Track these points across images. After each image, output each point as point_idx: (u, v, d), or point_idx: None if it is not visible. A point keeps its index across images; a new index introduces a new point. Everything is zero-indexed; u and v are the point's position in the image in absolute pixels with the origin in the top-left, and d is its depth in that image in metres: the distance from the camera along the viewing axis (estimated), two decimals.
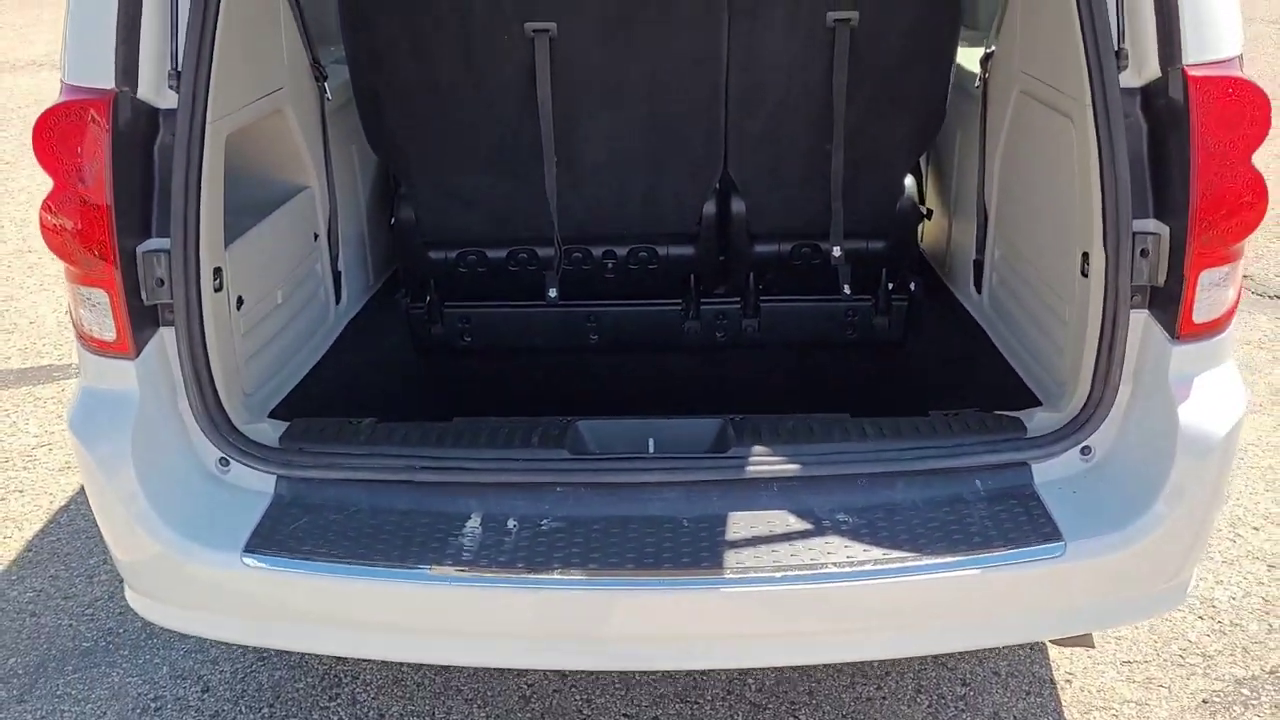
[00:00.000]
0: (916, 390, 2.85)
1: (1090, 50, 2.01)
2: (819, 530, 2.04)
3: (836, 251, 2.87)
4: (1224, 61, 1.99)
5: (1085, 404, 2.12)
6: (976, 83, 2.77)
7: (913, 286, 3.04)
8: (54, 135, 1.97)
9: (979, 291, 2.86)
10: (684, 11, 2.63)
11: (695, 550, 1.99)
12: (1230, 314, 2.11)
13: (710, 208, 2.95)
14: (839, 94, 2.69)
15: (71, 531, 3.31)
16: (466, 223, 2.96)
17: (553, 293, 2.92)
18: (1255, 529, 3.30)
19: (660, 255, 3.03)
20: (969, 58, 2.99)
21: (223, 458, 2.10)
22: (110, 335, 2.03)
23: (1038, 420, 2.21)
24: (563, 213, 2.84)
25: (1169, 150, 2.01)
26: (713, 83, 2.72)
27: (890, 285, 3.06)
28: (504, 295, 3.06)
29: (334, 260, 2.84)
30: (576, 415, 2.26)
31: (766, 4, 2.63)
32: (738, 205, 2.94)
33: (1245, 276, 5.20)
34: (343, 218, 2.87)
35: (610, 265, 3.03)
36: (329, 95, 2.75)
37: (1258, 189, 2.02)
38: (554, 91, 2.68)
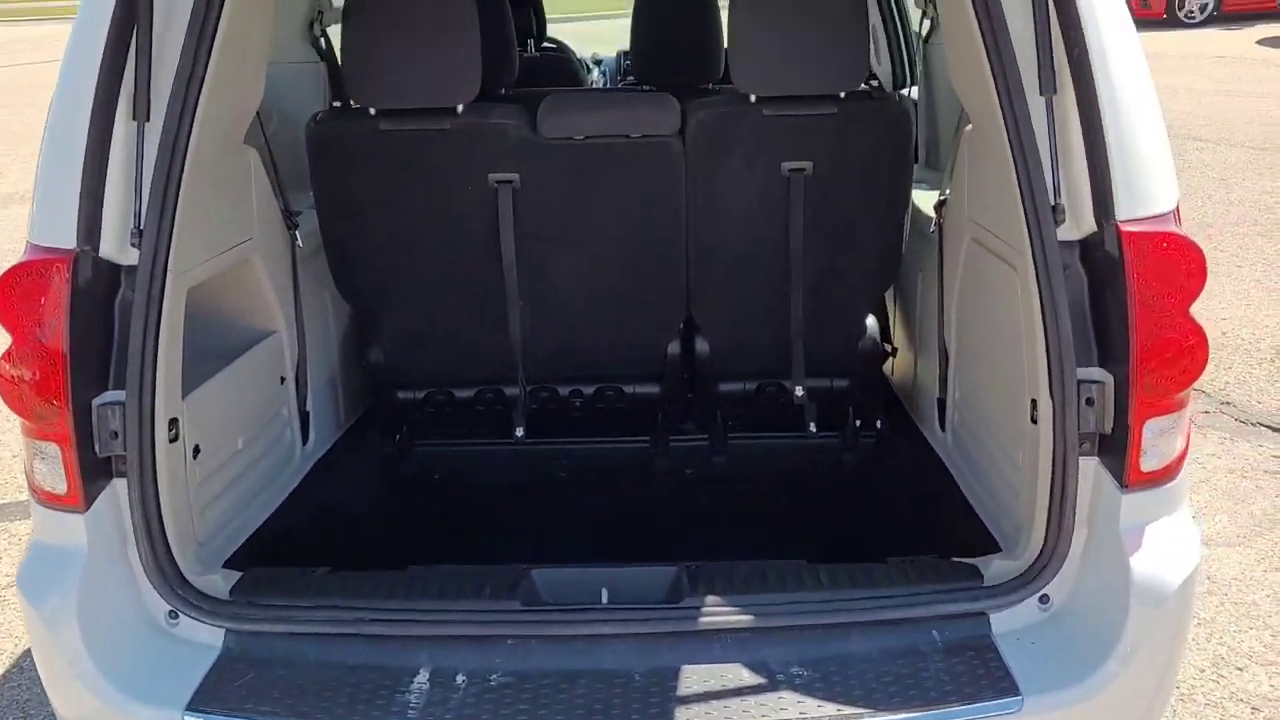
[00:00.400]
0: (880, 530, 2.84)
1: (1028, 204, 2.06)
2: (772, 684, 2.01)
3: (799, 391, 2.91)
4: (1157, 217, 2.04)
5: (1041, 552, 2.11)
6: (932, 227, 2.84)
7: (879, 424, 3.06)
8: (15, 293, 2.02)
9: (943, 429, 2.87)
10: (643, 165, 2.73)
11: (645, 707, 1.96)
12: (1180, 462, 2.11)
13: (675, 347, 3.00)
14: (795, 240, 2.76)
15: (33, 677, 3.23)
16: (434, 364, 3.01)
17: (519, 431, 2.95)
18: (1239, 669, 3.23)
19: (627, 393, 3.07)
20: (929, 200, 3.07)
21: (172, 610, 2.09)
22: (61, 489, 2.04)
23: (995, 568, 2.19)
24: (528, 354, 2.89)
25: (1108, 301, 2.05)
26: (673, 231, 2.80)
27: (857, 422, 3.08)
28: (473, 434, 3.09)
29: (302, 402, 2.87)
30: (544, 555, 2.25)
31: (723, 155, 2.72)
32: (701, 345, 2.99)
33: (1227, 403, 5.26)
34: (313, 359, 2.91)
35: (577, 403, 3.07)
36: (300, 243, 2.82)
37: (1197, 340, 2.04)
38: (517, 239, 2.75)
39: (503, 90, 3.51)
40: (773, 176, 2.72)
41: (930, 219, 2.90)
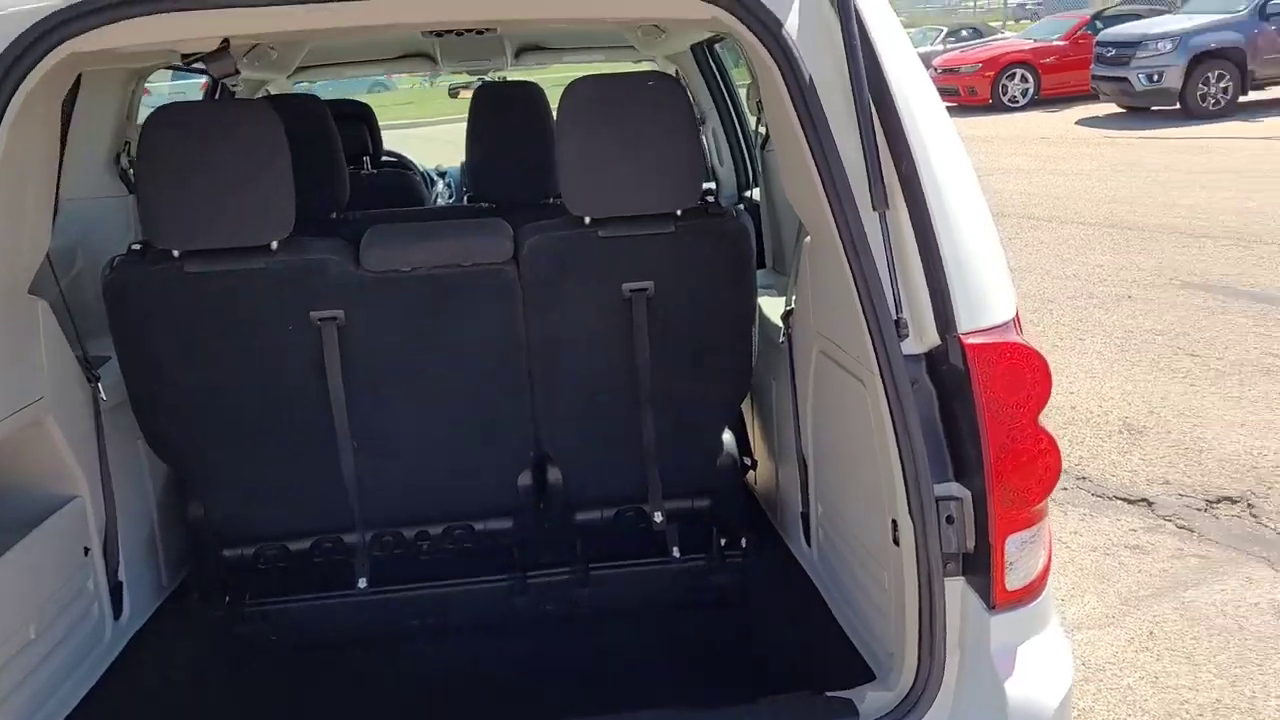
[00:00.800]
0: (753, 659, 2.71)
1: (870, 320, 2.01)
2: None
3: (658, 518, 2.77)
4: (998, 327, 2.01)
5: (915, 680, 2.01)
6: (781, 338, 2.78)
7: (743, 542, 2.95)
8: None
9: (809, 545, 2.78)
10: (476, 294, 2.59)
11: None
12: (1044, 577, 2.06)
13: (526, 479, 2.83)
14: (642, 362, 2.66)
15: None
16: (264, 517, 2.76)
17: (362, 582, 2.72)
18: None
19: (478, 531, 2.88)
20: (777, 307, 3.02)
21: None
22: None
23: (870, 701, 2.08)
24: (367, 498, 2.68)
25: (958, 415, 2.00)
26: (514, 360, 2.65)
27: (722, 541, 2.96)
28: (311, 589, 2.84)
29: (112, 572, 2.58)
30: None
31: (560, 280, 2.60)
32: (554, 474, 2.84)
33: (1083, 478, 5.37)
34: (125, 521, 2.63)
35: (425, 546, 2.86)
36: (104, 395, 2.56)
37: (1049, 447, 2.01)
38: (346, 379, 2.56)
39: (334, 215, 3.34)
40: (613, 299, 2.62)
41: (779, 328, 2.84)
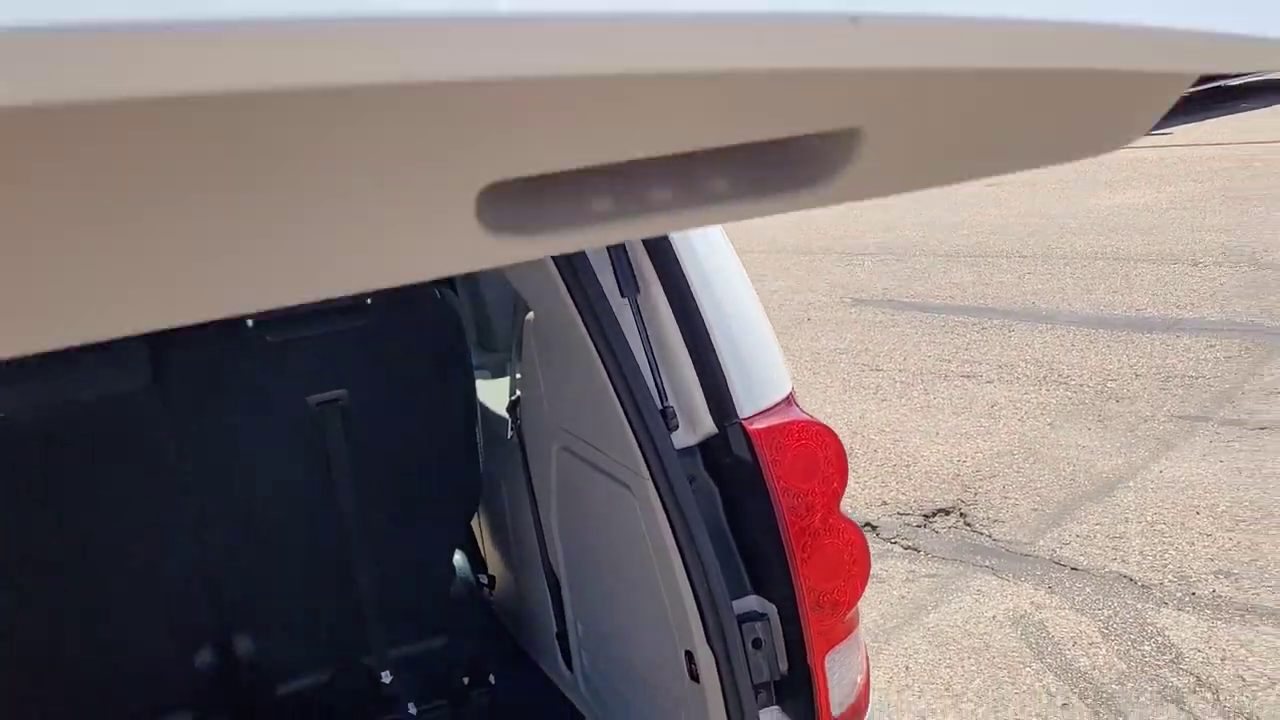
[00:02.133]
0: None
1: (631, 413, 1.64)
2: None
3: (386, 677, 2.24)
4: (779, 404, 1.70)
5: None
6: (509, 433, 2.34)
7: (491, 677, 2.47)
8: None
9: (570, 670, 2.35)
10: (105, 439, 1.94)
11: None
12: (867, 689, 1.76)
13: (206, 656, 2.20)
14: (343, 487, 2.13)
15: None
16: None
17: None
18: None
19: None
20: (497, 395, 2.58)
21: None
22: None
23: None
24: None
25: (749, 513, 1.66)
26: (170, 514, 2.03)
27: (465, 680, 2.47)
28: None
29: None
30: None
31: (221, 403, 2.02)
32: (243, 644, 2.22)
33: None
34: None
35: None
36: None
37: (854, 540, 1.72)
38: None
39: None
40: (298, 416, 2.07)
41: (504, 420, 2.40)
